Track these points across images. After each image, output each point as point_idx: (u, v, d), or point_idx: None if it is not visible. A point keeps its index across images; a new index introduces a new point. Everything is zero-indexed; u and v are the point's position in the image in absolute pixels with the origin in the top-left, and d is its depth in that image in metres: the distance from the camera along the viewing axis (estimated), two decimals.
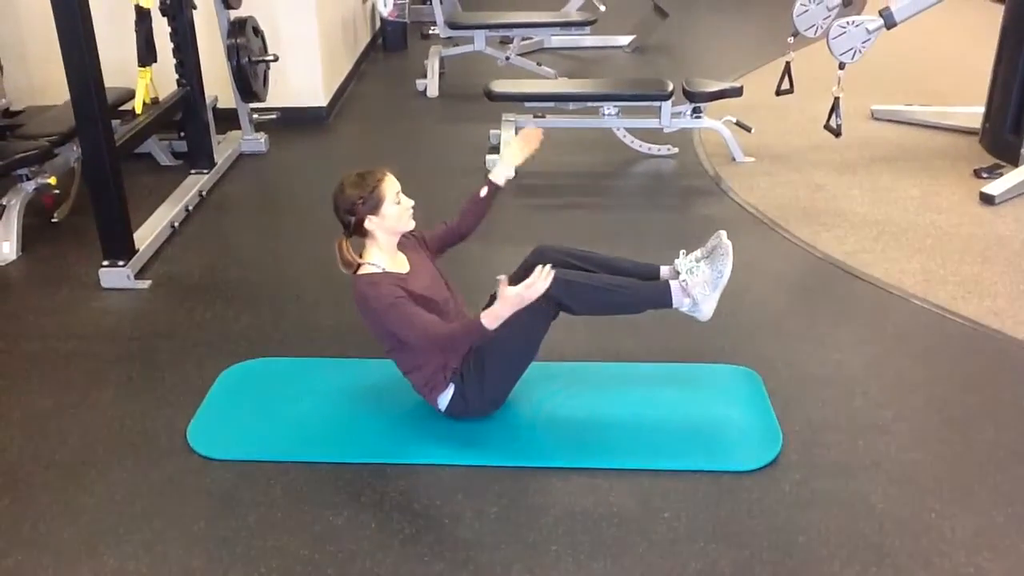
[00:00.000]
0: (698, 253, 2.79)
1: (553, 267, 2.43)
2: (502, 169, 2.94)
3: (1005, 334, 3.28)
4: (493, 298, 2.80)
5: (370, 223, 2.61)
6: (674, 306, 2.75)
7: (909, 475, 2.57)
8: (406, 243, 2.77)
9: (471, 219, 2.93)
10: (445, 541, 2.35)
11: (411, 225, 2.70)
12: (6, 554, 2.32)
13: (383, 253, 2.66)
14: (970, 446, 2.69)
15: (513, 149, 2.98)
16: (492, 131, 5.15)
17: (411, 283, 2.63)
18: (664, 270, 2.84)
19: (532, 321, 2.64)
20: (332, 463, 2.64)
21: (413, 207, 2.69)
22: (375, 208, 2.59)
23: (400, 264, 2.70)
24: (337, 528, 2.39)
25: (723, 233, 2.77)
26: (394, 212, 2.63)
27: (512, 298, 2.37)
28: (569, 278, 2.66)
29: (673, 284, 2.74)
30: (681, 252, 2.80)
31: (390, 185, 2.63)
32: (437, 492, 2.52)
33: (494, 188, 2.93)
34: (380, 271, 2.62)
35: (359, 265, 2.64)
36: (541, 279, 2.36)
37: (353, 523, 2.41)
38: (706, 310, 2.75)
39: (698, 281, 2.72)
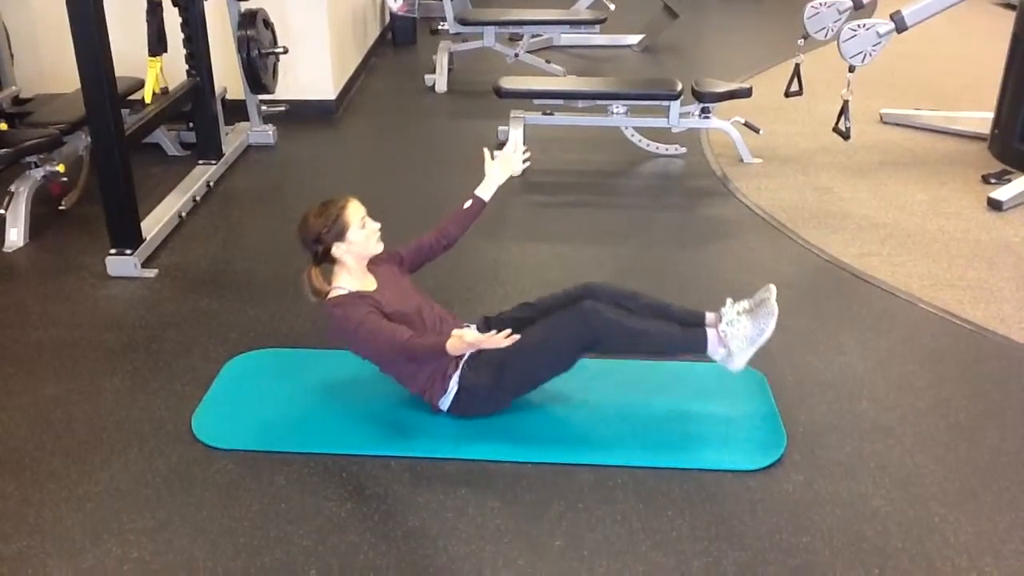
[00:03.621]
0: (745, 304, 2.76)
1: (515, 331, 2.46)
2: (488, 186, 2.98)
3: (1011, 339, 3.28)
4: (492, 321, 2.83)
5: (338, 250, 2.65)
6: (708, 353, 2.74)
7: (913, 478, 2.57)
8: (376, 260, 2.79)
9: (453, 232, 2.95)
10: (448, 535, 2.35)
11: (379, 248, 2.73)
12: (11, 540, 2.33)
13: (352, 277, 2.70)
14: (974, 451, 2.69)
15: (498, 168, 3.01)
16: (500, 128, 5.15)
17: (380, 298, 2.66)
18: (709, 317, 2.82)
19: (566, 349, 2.68)
20: (336, 455, 2.64)
21: (380, 229, 2.71)
22: (341, 235, 2.63)
23: (368, 284, 2.73)
24: (340, 520, 2.40)
25: (773, 289, 2.74)
26: (360, 237, 2.66)
27: (471, 341, 2.40)
28: (614, 318, 2.67)
29: (711, 332, 2.73)
30: (728, 301, 2.78)
31: (354, 211, 2.66)
32: (441, 485, 2.52)
33: (480, 203, 2.97)
34: (347, 292, 2.64)
35: (328, 292, 2.68)
36: (500, 339, 2.38)
37: (356, 515, 2.41)
38: (739, 363, 2.71)
39: (737, 334, 2.69)
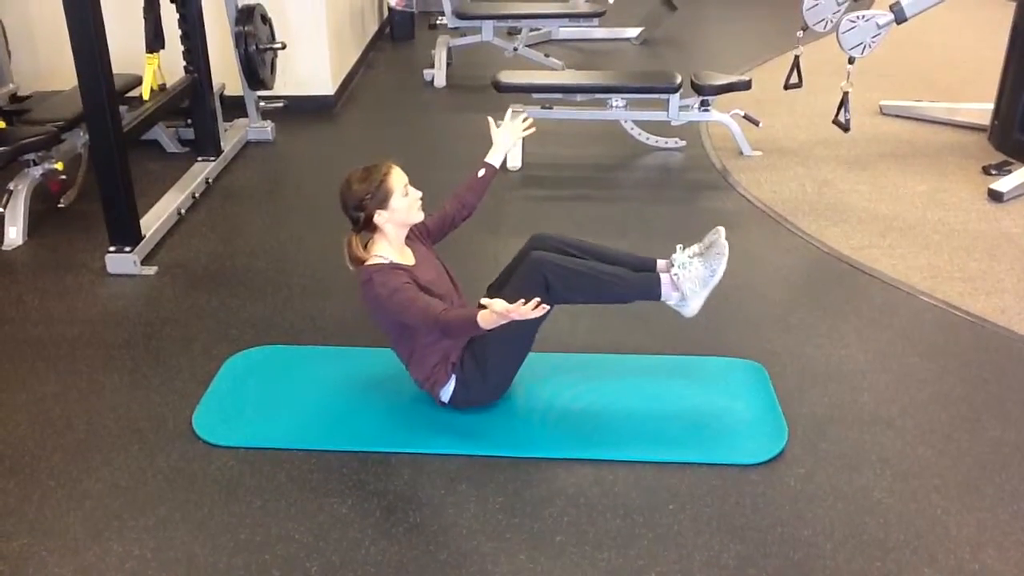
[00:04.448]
0: (695, 248, 2.79)
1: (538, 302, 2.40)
2: (496, 152, 2.97)
3: (1012, 331, 3.27)
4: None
5: (379, 217, 2.61)
6: (662, 299, 2.76)
7: (914, 471, 2.57)
8: (412, 236, 2.77)
9: (471, 200, 2.92)
10: (449, 530, 2.35)
11: (420, 216, 2.71)
12: (12, 538, 2.33)
13: (391, 247, 2.66)
14: (976, 443, 2.68)
15: (504, 134, 3.00)
16: (500, 122, 5.13)
17: (417, 275, 2.63)
18: (661, 264, 2.83)
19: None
20: (337, 451, 2.64)
21: (421, 198, 2.69)
22: (383, 202, 2.59)
23: (407, 257, 2.70)
24: (341, 516, 2.39)
25: (722, 231, 2.76)
26: (403, 205, 2.62)
27: (501, 312, 2.35)
28: (560, 263, 2.66)
29: (664, 277, 2.75)
30: (678, 247, 2.80)
31: (397, 178, 2.62)
32: (442, 481, 2.52)
33: (492, 170, 2.95)
34: (387, 262, 2.62)
35: (366, 260, 2.64)
36: (528, 309, 2.34)
37: (357, 511, 2.41)
38: (693, 307, 2.75)
39: (690, 276, 2.71)
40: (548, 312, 2.64)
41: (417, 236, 2.80)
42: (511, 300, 2.40)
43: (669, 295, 2.74)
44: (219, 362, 3.07)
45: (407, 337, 2.69)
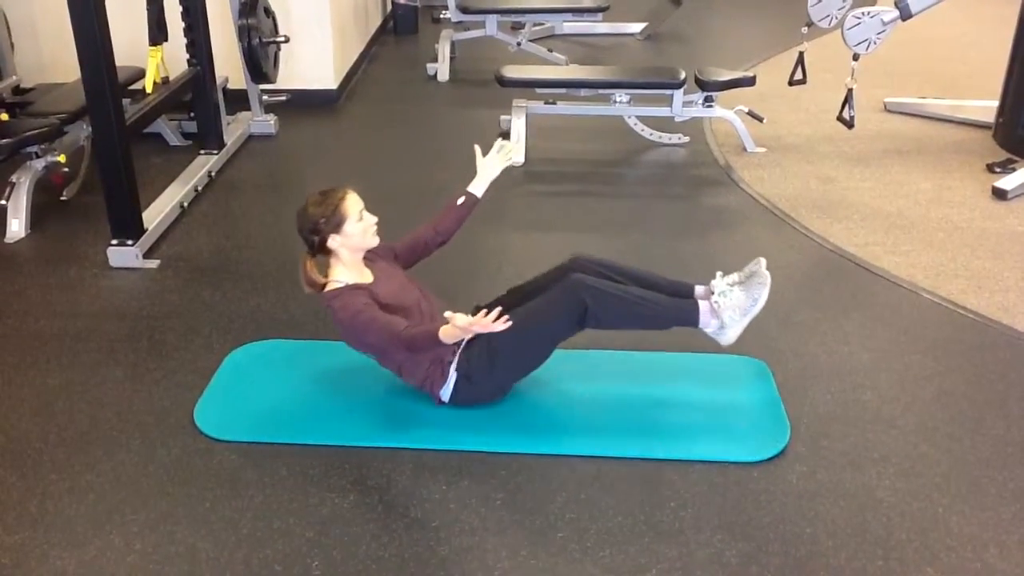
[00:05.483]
0: (735, 276, 2.76)
1: (506, 313, 2.43)
2: (480, 182, 2.95)
3: (1015, 329, 3.27)
4: (497, 302, 2.80)
5: (333, 242, 2.62)
6: (700, 326, 2.73)
7: (917, 469, 2.56)
8: (372, 255, 2.77)
9: (449, 226, 2.91)
10: (451, 526, 2.35)
11: (375, 242, 2.71)
12: (13, 531, 2.33)
13: (348, 270, 2.68)
14: (979, 441, 2.68)
15: (489, 164, 2.97)
16: (502, 116, 5.12)
17: (376, 291, 2.64)
18: (699, 290, 2.81)
19: (557, 324, 2.65)
20: (339, 446, 2.63)
21: (377, 223, 2.69)
22: (338, 227, 2.61)
23: (365, 276, 2.72)
24: (343, 511, 2.39)
25: (763, 261, 2.74)
26: (358, 230, 2.63)
27: (463, 326, 2.36)
28: (600, 287, 2.65)
29: (703, 304, 2.72)
30: (718, 273, 2.77)
31: (353, 203, 2.64)
32: (444, 477, 2.52)
33: (472, 199, 2.94)
34: (344, 285, 2.63)
35: (323, 284, 2.65)
36: (489, 322, 2.34)
37: (359, 506, 2.41)
38: (731, 335, 2.71)
39: (730, 305, 2.69)
40: (581, 328, 2.65)
41: (379, 254, 2.81)
42: (534, 311, 2.49)
43: (708, 322, 2.71)
44: (221, 356, 3.07)
45: (387, 353, 2.70)
